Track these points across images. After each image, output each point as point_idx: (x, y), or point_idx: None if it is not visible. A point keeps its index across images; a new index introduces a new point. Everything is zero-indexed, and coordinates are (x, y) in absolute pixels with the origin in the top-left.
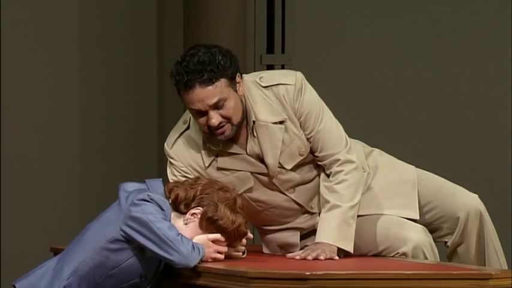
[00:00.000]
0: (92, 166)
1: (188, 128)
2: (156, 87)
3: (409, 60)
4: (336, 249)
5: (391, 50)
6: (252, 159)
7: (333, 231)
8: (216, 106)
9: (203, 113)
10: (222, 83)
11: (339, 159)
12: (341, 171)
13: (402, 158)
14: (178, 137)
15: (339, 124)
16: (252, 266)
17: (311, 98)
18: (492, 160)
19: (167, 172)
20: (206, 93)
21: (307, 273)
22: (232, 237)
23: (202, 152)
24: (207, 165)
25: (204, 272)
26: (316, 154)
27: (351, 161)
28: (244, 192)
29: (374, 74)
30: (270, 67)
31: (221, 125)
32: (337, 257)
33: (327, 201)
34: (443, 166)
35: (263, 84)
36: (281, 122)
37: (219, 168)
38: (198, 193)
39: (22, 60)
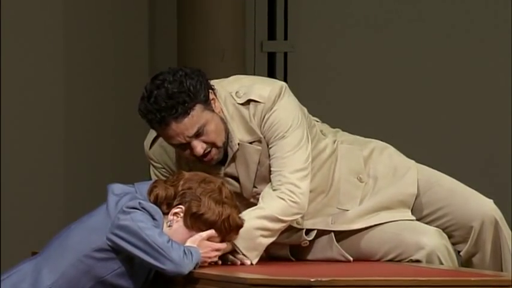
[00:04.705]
0: (77, 166)
1: None
2: (147, 80)
3: (422, 47)
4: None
5: (403, 35)
6: (229, 179)
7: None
8: (197, 134)
9: (185, 145)
10: (197, 109)
11: (284, 177)
12: (278, 189)
13: (409, 147)
14: (158, 136)
15: (306, 153)
16: (252, 272)
17: (278, 115)
18: (494, 157)
19: (150, 171)
20: (184, 126)
21: (312, 280)
22: (223, 230)
23: (177, 159)
24: None
25: (200, 278)
26: (270, 168)
27: (296, 186)
28: None
29: (385, 61)
30: (272, 55)
31: (206, 151)
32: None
33: (259, 201)
34: (447, 161)
35: (238, 101)
36: (256, 142)
37: None
38: (179, 189)
39: (5, 54)
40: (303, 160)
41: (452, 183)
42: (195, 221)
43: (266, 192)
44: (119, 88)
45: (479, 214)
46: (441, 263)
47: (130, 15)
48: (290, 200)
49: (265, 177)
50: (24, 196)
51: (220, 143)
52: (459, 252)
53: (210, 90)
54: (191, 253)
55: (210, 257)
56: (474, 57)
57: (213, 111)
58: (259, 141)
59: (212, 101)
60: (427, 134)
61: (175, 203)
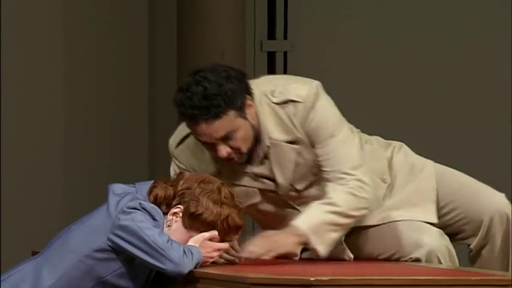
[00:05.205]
0: (77, 166)
1: None
2: (147, 79)
3: (423, 46)
4: (297, 244)
5: (403, 34)
6: (260, 178)
7: (314, 220)
8: (224, 138)
9: (210, 144)
10: (231, 115)
11: (348, 174)
12: (347, 185)
13: (410, 144)
14: (186, 136)
15: (358, 146)
16: (253, 271)
17: (323, 114)
18: (494, 154)
19: (170, 168)
20: (213, 128)
21: (312, 279)
22: (222, 231)
23: (207, 159)
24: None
25: (201, 277)
26: (323, 169)
27: (363, 181)
28: (250, 205)
29: (385, 60)
30: (271, 54)
31: (230, 156)
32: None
33: (328, 196)
34: (446, 161)
35: (274, 101)
36: (294, 142)
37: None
38: (178, 189)
39: (5, 54)
40: (358, 156)
41: (464, 177)
42: (193, 221)
43: (332, 187)
44: (119, 88)
45: (489, 208)
46: (440, 263)
47: (130, 15)
48: (361, 196)
49: (304, 175)
50: (24, 196)
51: (245, 150)
52: (469, 245)
53: (248, 96)
54: (191, 253)
55: (211, 257)
56: (474, 56)
57: (245, 118)
58: (297, 141)
59: (248, 107)
60: (427, 132)
61: (174, 203)
